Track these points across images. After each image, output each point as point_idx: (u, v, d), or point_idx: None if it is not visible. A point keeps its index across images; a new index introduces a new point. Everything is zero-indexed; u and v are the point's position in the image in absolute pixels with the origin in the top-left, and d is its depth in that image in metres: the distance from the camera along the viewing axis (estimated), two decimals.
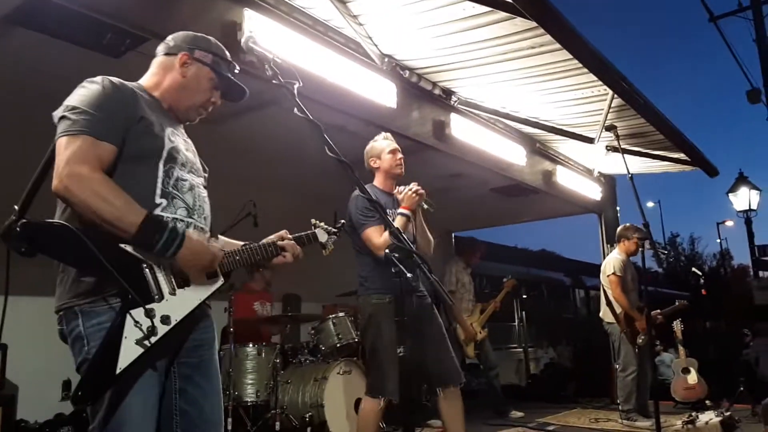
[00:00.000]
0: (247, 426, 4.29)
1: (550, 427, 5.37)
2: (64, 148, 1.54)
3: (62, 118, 1.60)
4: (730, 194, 11.74)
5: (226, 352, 4.49)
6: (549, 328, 12.91)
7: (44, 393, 4.55)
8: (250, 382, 4.45)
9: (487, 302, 6.24)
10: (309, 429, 4.13)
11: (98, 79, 1.68)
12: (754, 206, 11.60)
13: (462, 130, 5.17)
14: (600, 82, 4.59)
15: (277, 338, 5.35)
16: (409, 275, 1.58)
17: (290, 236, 2.02)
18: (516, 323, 14.00)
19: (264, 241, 1.97)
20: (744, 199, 11.57)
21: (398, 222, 3.19)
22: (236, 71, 1.97)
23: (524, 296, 11.30)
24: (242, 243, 1.95)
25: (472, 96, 5.15)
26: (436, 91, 4.92)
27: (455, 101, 5.11)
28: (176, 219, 1.67)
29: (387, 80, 4.38)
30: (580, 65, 4.27)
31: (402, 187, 3.33)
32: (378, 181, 3.49)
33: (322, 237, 2.16)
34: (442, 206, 7.42)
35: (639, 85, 4.84)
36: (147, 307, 1.51)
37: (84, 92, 1.63)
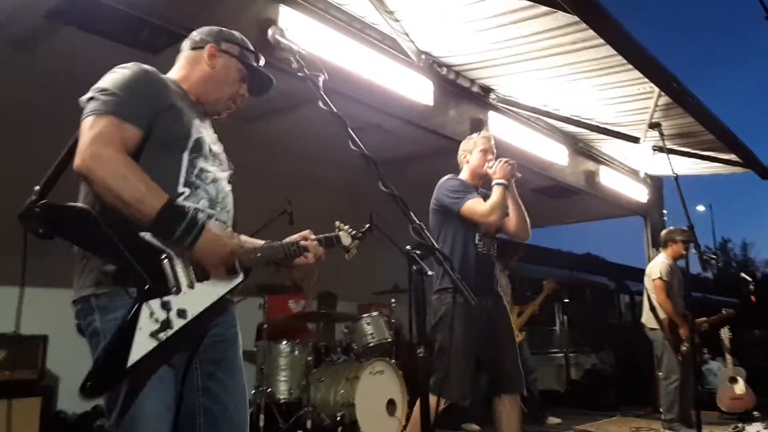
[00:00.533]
0: (279, 423, 4.30)
1: None
2: (89, 127, 1.52)
3: (90, 99, 1.59)
4: None
5: (260, 348, 4.51)
6: (591, 333, 12.59)
7: None
8: (283, 379, 4.46)
9: (526, 305, 6.10)
10: (340, 428, 4.10)
11: (130, 64, 1.68)
12: None
13: (500, 128, 5.05)
14: (646, 79, 4.42)
15: (310, 335, 5.35)
16: (430, 273, 1.53)
17: (313, 237, 1.98)
18: (557, 327, 13.71)
19: (287, 240, 1.93)
20: None
21: (496, 192, 3.14)
22: (262, 63, 1.96)
23: (566, 300, 11.05)
24: (263, 242, 1.91)
25: (511, 93, 5.04)
26: (474, 89, 4.83)
27: (494, 99, 5.01)
28: (198, 209, 1.64)
29: (424, 77, 4.32)
30: (625, 61, 4.12)
31: (492, 163, 3.28)
32: (464, 175, 3.42)
33: (346, 240, 2.14)
34: None
35: (687, 83, 4.66)
36: (164, 299, 1.46)
37: (114, 76, 1.64)
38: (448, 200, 3.21)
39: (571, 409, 6.70)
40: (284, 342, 4.56)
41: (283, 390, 4.40)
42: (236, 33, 1.94)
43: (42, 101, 3.90)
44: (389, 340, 4.77)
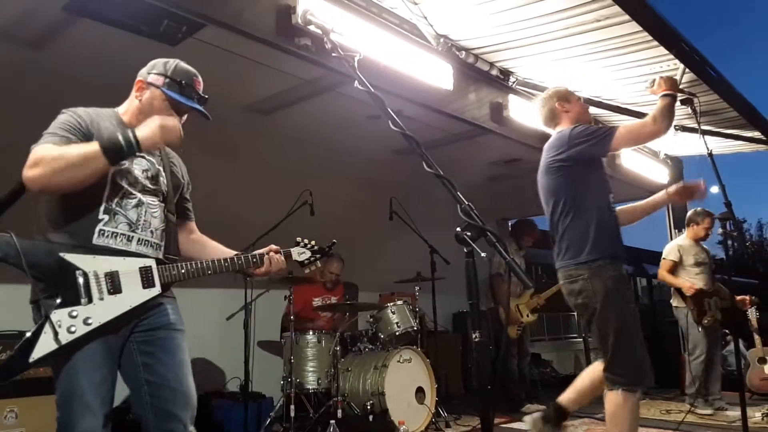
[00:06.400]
0: (309, 413, 4.29)
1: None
2: (30, 155, 1.78)
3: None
4: None
5: (287, 339, 4.50)
6: None
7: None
8: (311, 369, 4.44)
9: (541, 292, 6.04)
10: (371, 417, 4.08)
11: (70, 110, 1.93)
12: None
13: (521, 112, 4.99)
14: (669, 56, 4.33)
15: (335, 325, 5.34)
16: (483, 255, 1.48)
17: (274, 249, 2.20)
18: (575, 313, 13.60)
19: (253, 252, 2.16)
20: None
21: (662, 103, 2.71)
22: (196, 95, 2.07)
23: None
24: (235, 252, 2.15)
25: (531, 76, 4.97)
26: (494, 72, 4.77)
27: (513, 82, 4.94)
28: (117, 233, 1.89)
29: (443, 62, 4.26)
30: (649, 38, 4.04)
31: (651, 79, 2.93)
32: (566, 125, 2.99)
33: (300, 256, 2.30)
34: (498, 193, 7.25)
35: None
36: (72, 308, 1.75)
37: (56, 120, 1.89)
38: (588, 145, 2.73)
39: None
40: (310, 333, 4.55)
41: (311, 380, 4.39)
42: (177, 66, 2.06)
43: (60, 96, 3.88)
44: (415, 328, 4.74)
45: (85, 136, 1.86)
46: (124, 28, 3.08)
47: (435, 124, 4.78)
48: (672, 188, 3.06)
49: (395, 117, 1.67)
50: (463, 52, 4.44)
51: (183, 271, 1.98)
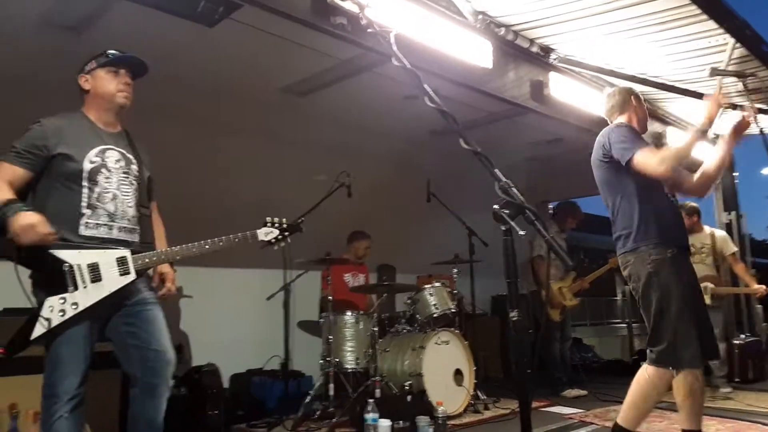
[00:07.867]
0: (348, 392, 4.33)
1: (660, 404, 5.04)
2: None
3: None
4: None
5: (326, 320, 4.54)
6: None
7: None
8: (350, 349, 4.47)
9: (585, 276, 5.93)
10: (409, 397, 4.10)
11: (40, 122, 2.26)
12: None
13: (562, 90, 4.87)
14: (719, 31, 4.16)
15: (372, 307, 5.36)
16: (522, 233, 1.45)
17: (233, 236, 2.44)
18: (618, 298, 13.40)
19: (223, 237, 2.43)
20: None
21: (687, 140, 2.82)
22: (118, 54, 2.37)
23: None
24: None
25: (572, 53, 4.83)
26: (534, 49, 4.65)
27: (554, 59, 4.82)
28: (99, 224, 2.24)
29: (481, 38, 4.18)
30: (698, 11, 3.88)
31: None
32: (624, 120, 3.10)
33: (267, 236, 2.49)
34: (539, 174, 7.12)
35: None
36: (62, 295, 2.12)
37: (26, 134, 2.24)
38: (617, 149, 2.84)
39: None
40: (348, 313, 4.57)
41: (350, 360, 4.43)
42: (95, 54, 2.38)
43: None
44: (453, 310, 4.72)
45: (43, 151, 2.20)
46: (162, 9, 3.11)
47: (473, 103, 4.71)
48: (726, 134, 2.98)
49: (431, 93, 1.65)
50: (503, 29, 4.34)
51: (155, 258, 2.35)
